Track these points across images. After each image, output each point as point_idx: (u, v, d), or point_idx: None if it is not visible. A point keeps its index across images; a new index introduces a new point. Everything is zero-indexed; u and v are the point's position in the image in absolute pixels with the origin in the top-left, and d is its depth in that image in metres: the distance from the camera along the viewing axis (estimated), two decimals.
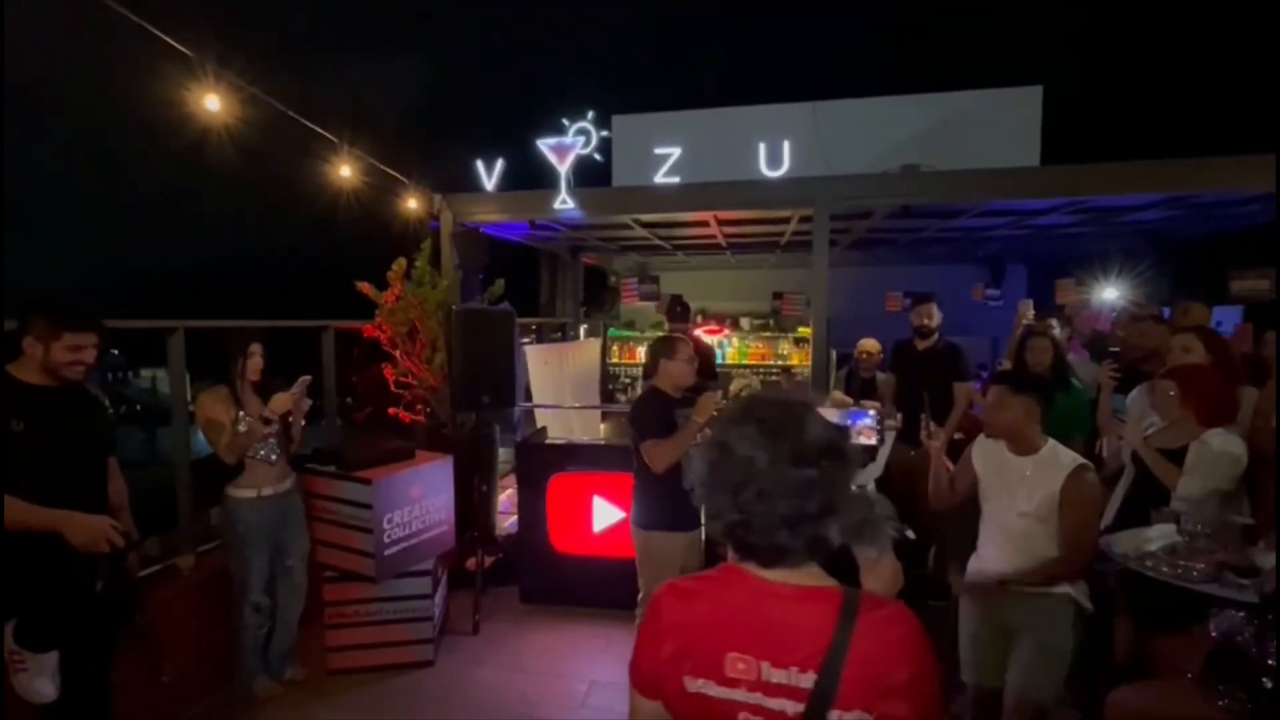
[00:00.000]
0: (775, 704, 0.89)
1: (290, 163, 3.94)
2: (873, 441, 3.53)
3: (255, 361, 2.87)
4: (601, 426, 6.49)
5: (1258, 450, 2.32)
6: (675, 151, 4.71)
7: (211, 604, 2.99)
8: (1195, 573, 1.97)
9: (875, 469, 3.19)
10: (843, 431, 0.98)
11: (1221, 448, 2.27)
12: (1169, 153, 4.11)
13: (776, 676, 0.90)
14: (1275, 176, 3.55)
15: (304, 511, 3.11)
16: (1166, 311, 4.25)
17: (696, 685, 0.94)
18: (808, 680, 0.88)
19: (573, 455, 4.02)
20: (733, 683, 0.92)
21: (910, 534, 1.17)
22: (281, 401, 2.87)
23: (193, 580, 2.94)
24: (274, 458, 2.92)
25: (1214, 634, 1.62)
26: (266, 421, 2.84)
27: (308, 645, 3.24)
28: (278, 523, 2.93)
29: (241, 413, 2.77)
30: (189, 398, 3.11)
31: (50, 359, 2.07)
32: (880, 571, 1.15)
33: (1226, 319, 5.15)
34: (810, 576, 0.95)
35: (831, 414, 3.88)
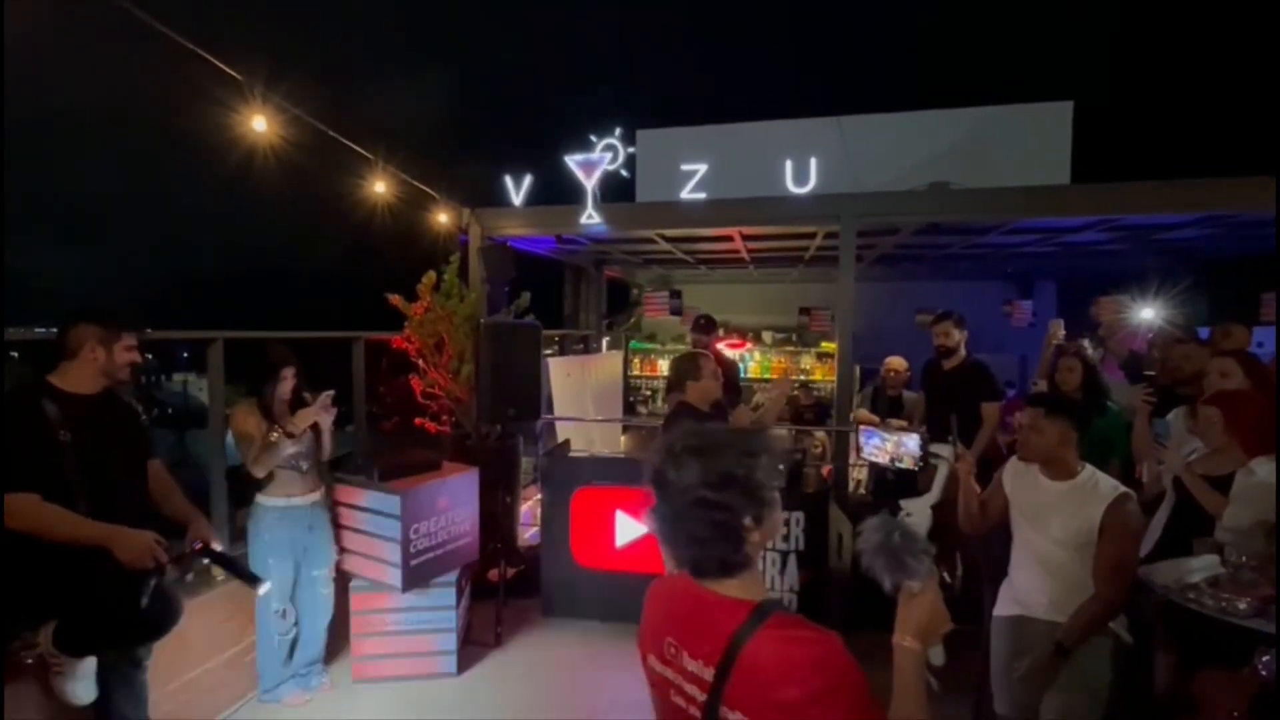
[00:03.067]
0: (690, 689, 1.05)
1: (327, 179, 4.05)
2: (915, 468, 3.35)
3: (286, 385, 2.95)
4: (622, 439, 6.50)
5: None
6: (701, 168, 4.73)
7: (243, 612, 3.05)
8: (1241, 606, 1.91)
9: (930, 497, 2.98)
10: (760, 462, 1.05)
11: (1268, 477, 2.20)
12: (1201, 169, 4.03)
13: (691, 665, 1.05)
14: (1276, 200, 3.47)
15: (332, 522, 3.16)
16: (1204, 332, 4.14)
17: (651, 661, 1.14)
18: (709, 674, 1.02)
19: (596, 469, 4.03)
20: (667, 663, 1.10)
21: (947, 576, 1.14)
22: (305, 417, 2.94)
23: (225, 588, 2.99)
24: (304, 467, 2.98)
25: (1263, 673, 1.57)
26: (292, 435, 2.90)
27: (334, 654, 3.28)
28: (304, 532, 2.98)
29: (272, 426, 2.83)
30: (225, 405, 3.19)
31: (113, 361, 2.14)
32: (915, 608, 1.09)
33: (1270, 339, 5.01)
34: (735, 588, 1.06)
35: (905, 437, 3.55)
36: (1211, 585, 2.03)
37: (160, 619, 2.18)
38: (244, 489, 2.96)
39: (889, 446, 3.68)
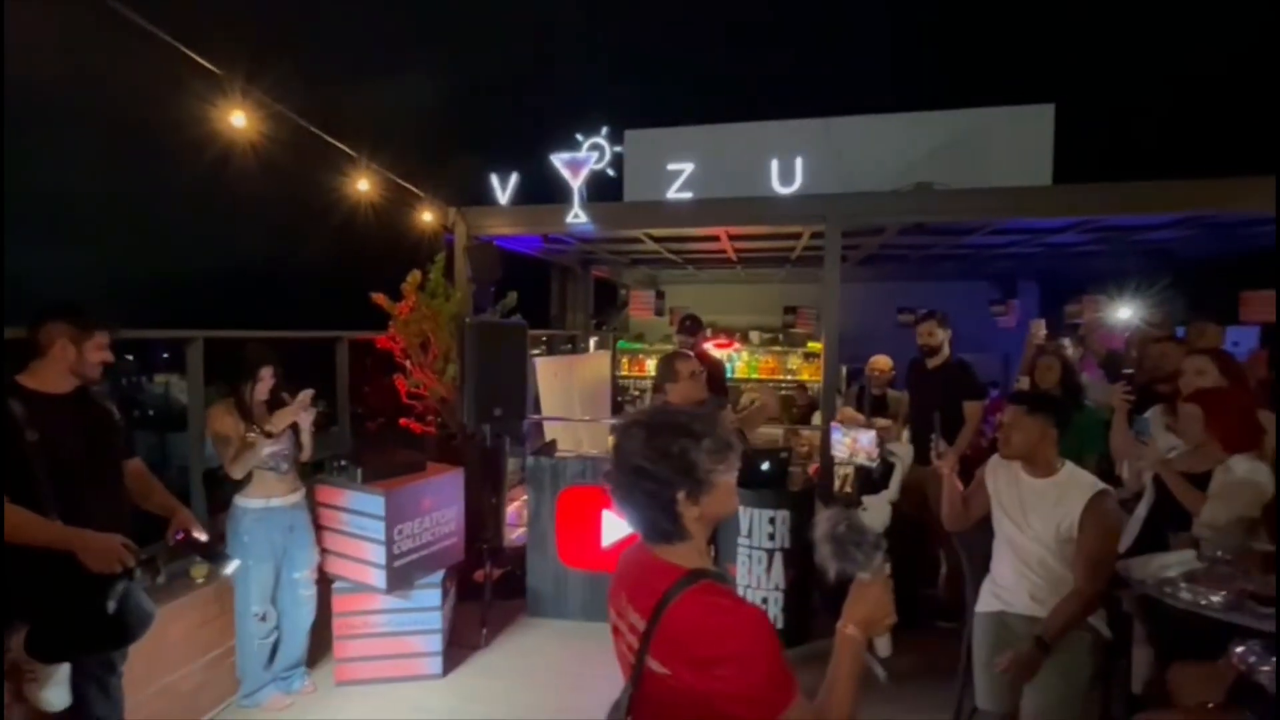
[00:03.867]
0: (630, 639, 1.17)
1: (308, 176, 4.01)
2: (870, 463, 3.47)
3: (265, 385, 2.91)
4: (609, 439, 6.49)
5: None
6: (688, 167, 4.73)
7: (224, 614, 3.00)
8: (1216, 600, 1.94)
9: (887, 494, 3.01)
10: (702, 444, 1.13)
11: (1246, 475, 2.24)
12: (1180, 170, 4.09)
13: (633, 619, 1.17)
14: (1275, 200, 3.53)
15: (313, 523, 3.12)
16: (1180, 331, 4.21)
17: (611, 613, 1.27)
18: (642, 625, 1.13)
19: (582, 469, 4.02)
20: (620, 615, 1.23)
21: (886, 566, 1.16)
22: (284, 416, 2.90)
23: (205, 591, 2.95)
24: (284, 468, 2.94)
25: (1237, 664, 1.59)
26: (270, 436, 2.86)
27: (317, 657, 3.24)
28: (284, 534, 2.94)
29: (249, 427, 2.79)
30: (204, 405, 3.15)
31: (83, 360, 2.10)
32: (860, 598, 1.13)
33: (1244, 339, 5.11)
34: (676, 555, 1.17)
35: (860, 434, 3.81)
36: (1188, 580, 2.06)
37: (129, 625, 2.12)
38: (222, 492, 2.92)
39: (848, 442, 3.77)
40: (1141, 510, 2.59)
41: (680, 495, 1.13)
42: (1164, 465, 2.45)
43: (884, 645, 1.17)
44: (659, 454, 1.13)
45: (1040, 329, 4.13)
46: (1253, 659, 1.55)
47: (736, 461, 1.19)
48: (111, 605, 2.01)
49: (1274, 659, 1.52)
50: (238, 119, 2.82)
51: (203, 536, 2.27)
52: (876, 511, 2.83)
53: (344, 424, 4.21)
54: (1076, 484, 2.16)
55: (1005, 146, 5.69)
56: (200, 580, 3.00)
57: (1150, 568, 2.19)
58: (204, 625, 2.97)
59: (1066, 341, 3.93)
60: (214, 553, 2.30)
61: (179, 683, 2.82)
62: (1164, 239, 5.47)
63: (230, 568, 2.25)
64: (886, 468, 4.21)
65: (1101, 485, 2.14)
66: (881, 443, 3.30)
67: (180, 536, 2.25)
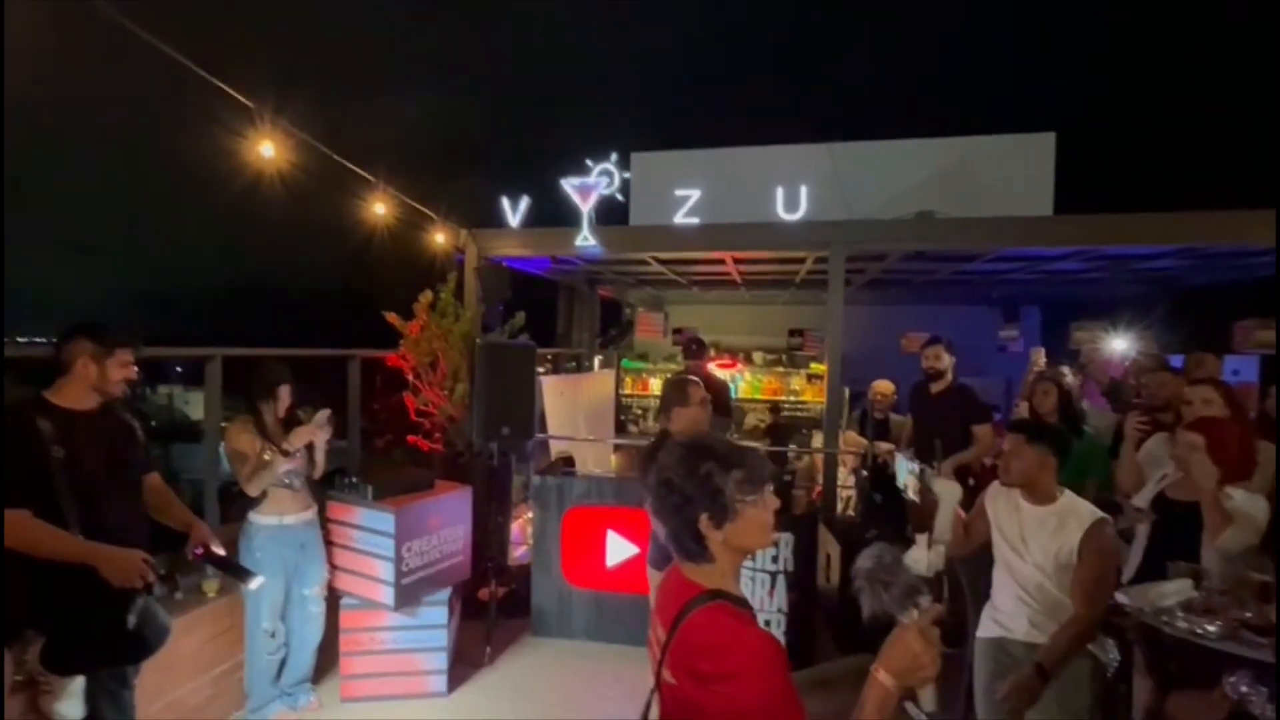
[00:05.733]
0: (656, 651, 1.24)
1: (324, 196, 4.11)
2: (914, 497, 3.14)
3: (282, 403, 2.98)
4: (613, 458, 6.53)
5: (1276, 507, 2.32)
6: (695, 193, 4.84)
7: (233, 629, 3.04)
8: (1212, 630, 1.97)
9: (934, 535, 2.60)
10: (732, 474, 1.18)
11: (1243, 502, 2.28)
12: (1179, 199, 4.17)
13: (659, 631, 1.25)
14: (1275, 233, 3.60)
15: (325, 539, 3.17)
16: (1176, 360, 4.27)
17: (650, 628, 1.33)
18: (663, 639, 1.20)
19: (587, 489, 4.06)
20: (653, 628, 1.30)
21: (930, 613, 1.08)
22: (301, 435, 2.96)
23: (217, 605, 2.99)
24: (297, 484, 2.99)
25: (1230, 694, 1.63)
26: (287, 454, 2.92)
27: (322, 673, 3.27)
28: (296, 551, 2.99)
29: (266, 445, 2.86)
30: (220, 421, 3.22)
31: (106, 377, 2.15)
32: (895, 644, 1.07)
33: (1245, 368, 5.15)
34: (701, 575, 1.22)
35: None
36: (1185, 609, 2.09)
37: (148, 639, 2.16)
38: (232, 505, 2.97)
39: (911, 480, 3.42)
40: (1141, 537, 2.63)
41: (703, 517, 1.18)
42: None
43: (929, 699, 1.11)
44: (688, 472, 1.19)
45: (1040, 356, 4.19)
46: (1244, 689, 1.59)
47: (768, 498, 1.23)
48: (132, 620, 2.05)
49: (1264, 688, 1.55)
50: (265, 148, 2.93)
51: (221, 551, 2.32)
52: (922, 554, 2.54)
53: (354, 441, 4.26)
54: (1075, 512, 2.20)
55: (1006, 174, 5.79)
56: (212, 594, 3.04)
57: (1148, 596, 2.22)
58: (214, 639, 3.01)
59: (1066, 369, 3.98)
60: (235, 568, 2.34)
61: (187, 696, 2.85)
62: (1162, 267, 5.54)
63: (255, 583, 2.30)
64: (890, 492, 4.24)
65: (1100, 514, 2.18)
66: (922, 473, 2.96)
67: (199, 551, 2.29)
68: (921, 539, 2.49)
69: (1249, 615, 1.98)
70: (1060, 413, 3.34)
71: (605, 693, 3.40)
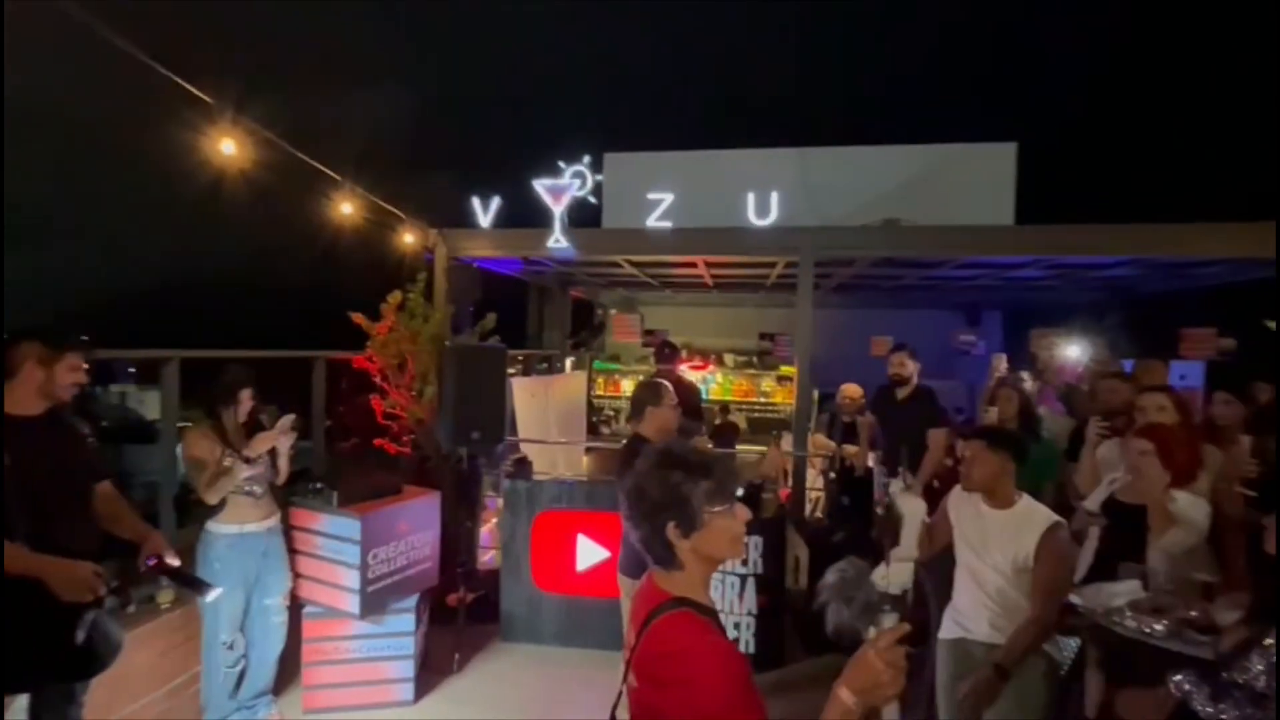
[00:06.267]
0: (626, 654, 1.27)
1: (291, 196, 4.00)
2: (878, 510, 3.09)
3: (244, 407, 2.90)
4: (584, 459, 6.51)
5: (1220, 510, 2.44)
6: (668, 197, 4.86)
7: (189, 641, 2.94)
8: (1159, 629, 2.06)
9: (900, 551, 2.52)
10: (700, 485, 1.20)
11: (1187, 508, 2.38)
12: (1136, 210, 4.34)
13: (630, 636, 1.27)
14: (1275, 242, 3.73)
15: (287, 548, 3.08)
16: (1128, 365, 4.43)
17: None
18: (633, 644, 1.23)
19: (558, 493, 4.04)
20: (627, 633, 1.32)
21: (895, 631, 1.06)
22: (263, 441, 2.88)
23: (171, 617, 2.89)
24: (259, 492, 2.91)
25: (1175, 692, 1.70)
26: (248, 461, 2.84)
27: (283, 684, 3.18)
28: (257, 560, 2.90)
29: (226, 451, 2.77)
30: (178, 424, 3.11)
31: (54, 381, 2.07)
32: (858, 661, 1.06)
33: (1191, 373, 5.38)
34: (671, 582, 1.24)
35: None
36: (1133, 608, 2.18)
37: (97, 655, 2.08)
38: (190, 512, 2.88)
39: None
40: (1092, 540, 2.72)
41: (671, 525, 1.20)
42: (1156, 500, 2.44)
43: (891, 713, 1.11)
44: (657, 481, 1.22)
45: (1001, 363, 4.31)
46: (1188, 687, 1.66)
47: (739, 510, 1.24)
48: (81, 635, 1.97)
49: (1206, 686, 1.62)
50: (226, 145, 2.84)
51: (176, 562, 2.24)
52: (892, 570, 2.38)
53: (319, 445, 4.17)
54: (1033, 516, 2.27)
55: (970, 182, 5.96)
56: (166, 606, 2.94)
57: (1099, 597, 2.31)
58: (169, 653, 2.91)
59: (1026, 375, 4.11)
60: (190, 580, 2.27)
61: (141, 712, 2.75)
62: (1117, 276, 5.76)
63: (211, 596, 2.22)
64: (858, 495, 4.31)
65: (1055, 518, 2.26)
66: (886, 486, 2.84)
67: (153, 563, 2.21)
68: (892, 554, 2.49)
69: (1193, 614, 2.08)
70: (1020, 419, 3.45)
71: (576, 699, 3.39)
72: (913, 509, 2.54)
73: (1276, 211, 3.77)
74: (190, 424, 2.89)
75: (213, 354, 3.32)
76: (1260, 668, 1.53)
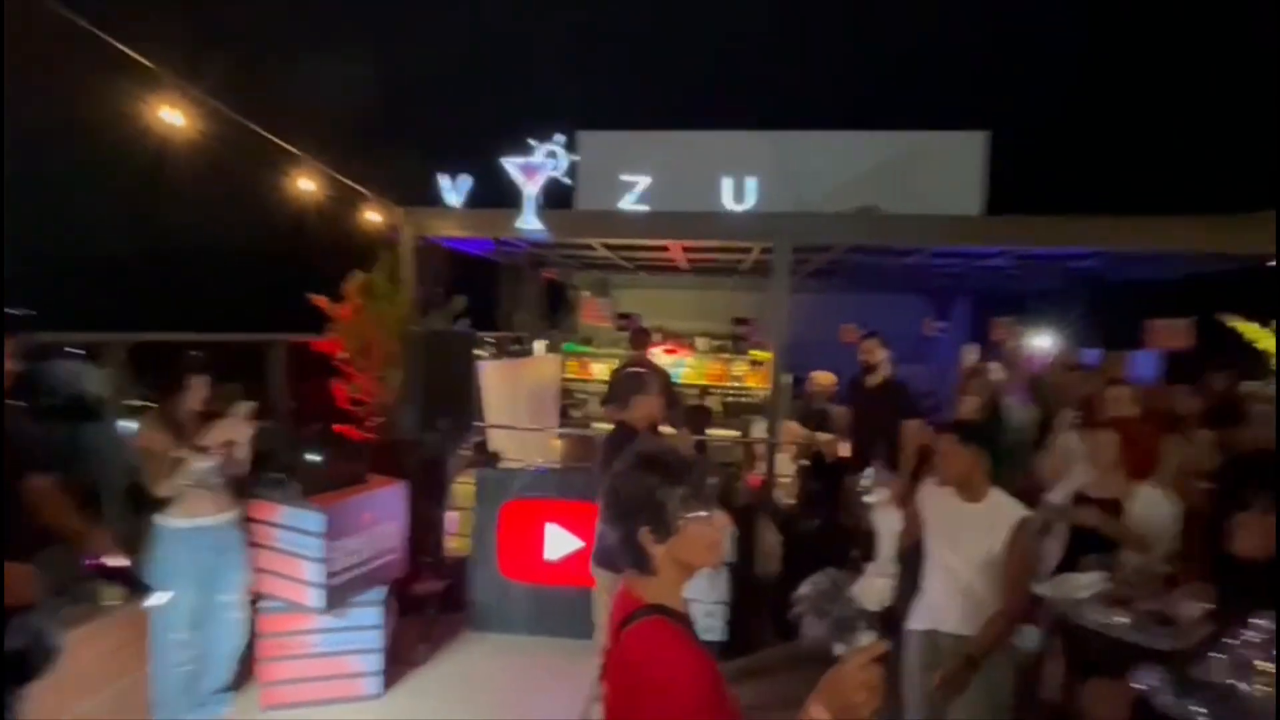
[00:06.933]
0: (604, 658, 1.26)
1: (248, 171, 3.78)
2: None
3: (197, 395, 2.73)
4: (556, 443, 6.44)
5: (1183, 502, 2.50)
6: (643, 180, 4.75)
7: (138, 639, 2.80)
8: (1122, 621, 2.10)
9: (875, 567, 2.51)
10: (674, 490, 1.18)
11: (1151, 504, 2.43)
12: (1108, 200, 4.40)
13: (608, 640, 1.26)
14: (1275, 236, 3.78)
15: (245, 542, 2.95)
16: (1091, 354, 4.53)
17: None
18: (607, 647, 1.24)
19: (527, 482, 3.97)
20: (605, 634, 1.30)
21: (874, 648, 1.03)
22: (221, 431, 2.74)
23: (118, 615, 2.74)
24: (214, 483, 2.77)
25: (1140, 686, 1.73)
26: (203, 451, 2.69)
27: (241, 680, 3.08)
28: (212, 556, 2.77)
29: (178, 442, 2.62)
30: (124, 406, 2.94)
31: None
32: (834, 676, 1.03)
33: (1146, 363, 5.54)
34: (645, 588, 1.21)
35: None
36: (1097, 601, 2.22)
37: (33, 662, 1.96)
38: (144, 502, 2.72)
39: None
40: (1060, 533, 2.77)
41: (645, 529, 1.18)
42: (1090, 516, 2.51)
43: None
44: (634, 482, 1.20)
45: (972, 354, 4.36)
46: (1153, 684, 1.69)
47: (717, 517, 1.21)
48: (16, 641, 1.85)
49: (1170, 683, 1.65)
50: (172, 115, 2.64)
51: (120, 562, 2.12)
52: (869, 586, 2.38)
53: (278, 432, 4.00)
54: (1003, 510, 2.29)
55: (942, 168, 5.99)
56: (113, 603, 2.79)
57: (1065, 589, 2.36)
58: (116, 651, 2.76)
59: (995, 366, 4.16)
60: (134, 581, 2.14)
61: (86, 714, 2.62)
62: (1086, 267, 5.87)
63: (156, 599, 2.09)
64: (829, 481, 4.34)
65: (1026, 512, 2.28)
66: (864, 492, 2.82)
67: (94, 563, 2.09)
68: (869, 568, 2.48)
69: (1155, 607, 2.13)
70: (989, 410, 3.49)
71: (545, 689, 3.35)
72: (888, 524, 2.52)
73: (1275, 206, 3.83)
74: (140, 403, 2.72)
75: (162, 337, 3.14)
76: (1225, 666, 1.56)
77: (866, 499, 2.58)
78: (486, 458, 4.39)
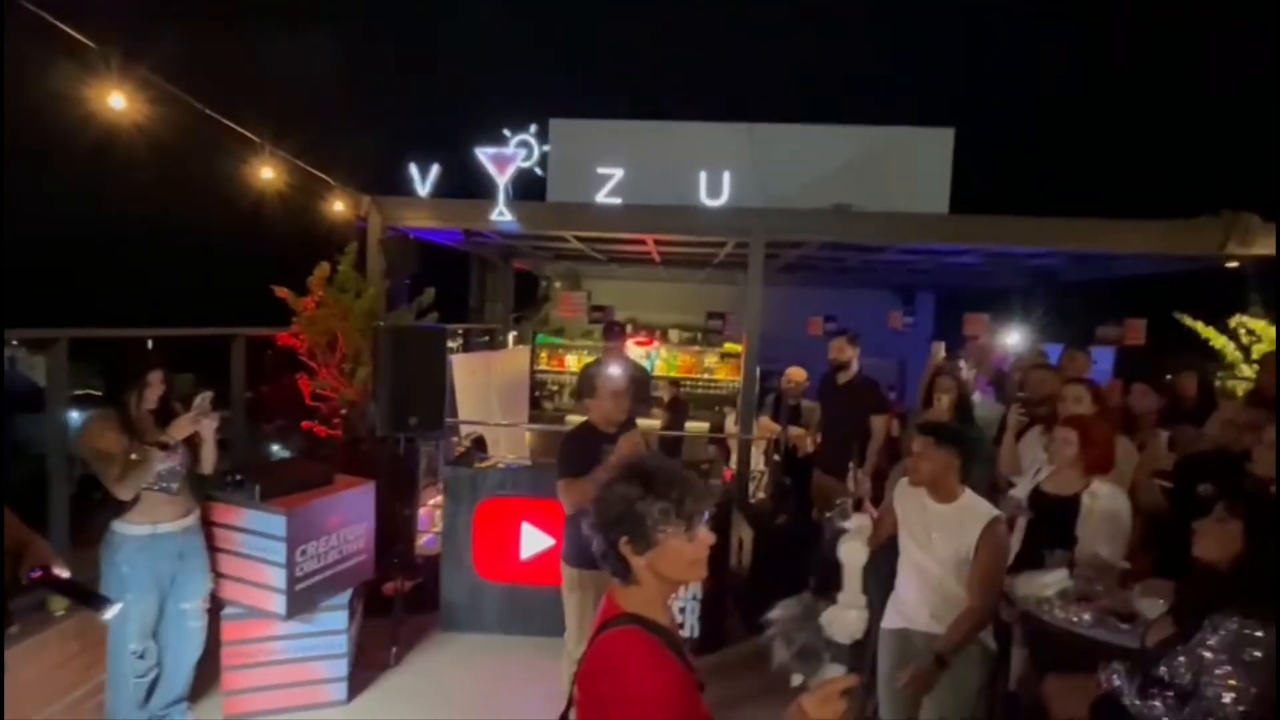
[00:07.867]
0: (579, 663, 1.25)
1: (205, 157, 3.59)
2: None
3: (153, 391, 2.59)
4: (526, 436, 6.37)
5: (1137, 501, 2.58)
6: (617, 173, 4.68)
7: (89, 650, 2.68)
8: (1086, 618, 2.17)
9: (844, 597, 2.51)
10: (656, 504, 1.16)
11: (1108, 501, 2.51)
12: (1066, 203, 4.53)
13: (585, 646, 1.24)
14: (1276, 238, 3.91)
15: (206, 548, 2.84)
16: (1054, 349, 4.66)
17: None
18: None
19: (501, 480, 3.91)
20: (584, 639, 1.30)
21: (840, 682, 1.04)
22: (182, 426, 2.61)
23: (65, 626, 2.62)
24: (174, 488, 2.64)
25: (1105, 684, 1.79)
26: (165, 448, 2.57)
27: (202, 689, 2.97)
28: (173, 562, 2.65)
29: (134, 442, 2.49)
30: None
31: None
32: (792, 715, 1.05)
33: (1101, 359, 5.73)
34: (627, 596, 1.22)
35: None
36: (1061, 598, 2.29)
37: None
38: (95, 516, 2.58)
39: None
40: (1020, 528, 2.84)
41: (623, 540, 1.18)
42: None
43: None
44: (617, 493, 1.19)
45: (940, 351, 4.43)
46: (1118, 681, 1.74)
47: (701, 533, 1.19)
48: None
49: (1135, 681, 1.71)
50: (115, 99, 2.47)
51: (65, 573, 1.99)
52: (840, 618, 2.35)
53: (240, 429, 3.85)
54: (974, 511, 2.33)
55: (908, 165, 6.05)
56: (60, 613, 2.66)
57: (1030, 586, 2.42)
58: (66, 663, 2.65)
59: (962, 364, 4.25)
60: (84, 593, 2.01)
61: None
62: (1046, 265, 6.04)
63: (109, 613, 1.97)
64: (800, 476, 4.37)
65: (996, 512, 2.33)
66: (832, 513, 2.73)
67: (36, 575, 1.96)
68: (841, 597, 2.48)
69: (1115, 604, 2.20)
70: (956, 408, 3.54)
71: (519, 690, 3.32)
72: (854, 558, 2.53)
73: (1272, 210, 3.98)
74: (85, 394, 2.56)
75: (111, 333, 2.98)
76: (1184, 666, 1.61)
77: (841, 524, 2.57)
78: (479, 451, 4.30)
